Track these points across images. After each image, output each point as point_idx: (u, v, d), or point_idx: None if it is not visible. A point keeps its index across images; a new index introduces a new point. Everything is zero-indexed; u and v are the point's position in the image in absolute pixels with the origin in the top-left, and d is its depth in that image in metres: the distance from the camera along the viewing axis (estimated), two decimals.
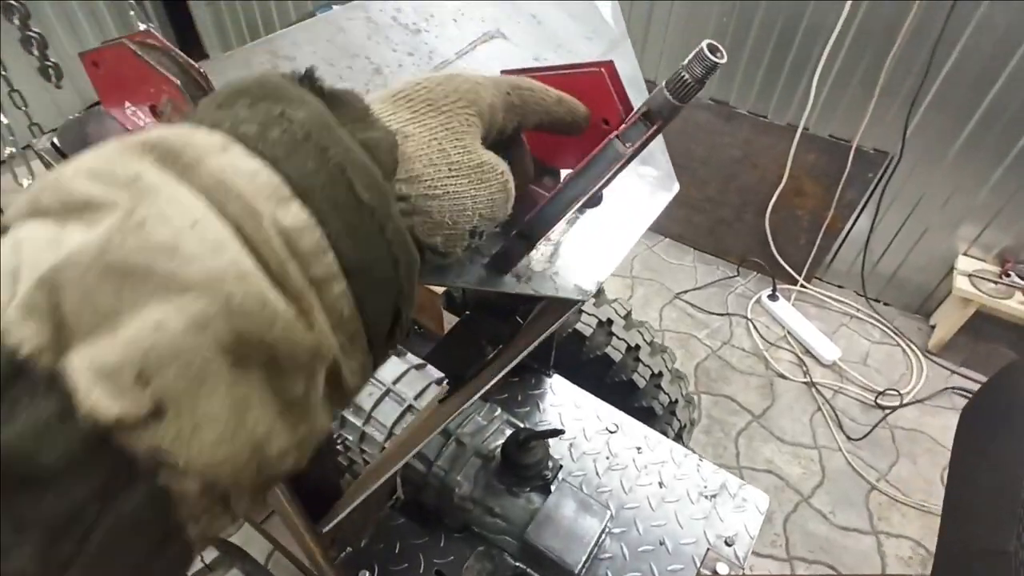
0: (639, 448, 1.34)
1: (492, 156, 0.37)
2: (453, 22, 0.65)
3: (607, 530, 1.16)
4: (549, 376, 1.47)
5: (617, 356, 1.46)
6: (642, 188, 0.62)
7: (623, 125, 0.46)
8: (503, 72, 0.56)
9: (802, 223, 2.65)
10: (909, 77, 2.15)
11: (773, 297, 2.71)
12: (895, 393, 2.37)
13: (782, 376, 2.47)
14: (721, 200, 2.81)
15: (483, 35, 0.64)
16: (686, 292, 2.82)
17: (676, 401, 1.52)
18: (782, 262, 2.75)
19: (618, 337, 1.48)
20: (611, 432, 1.37)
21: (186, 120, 0.27)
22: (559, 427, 1.24)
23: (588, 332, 1.47)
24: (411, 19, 0.62)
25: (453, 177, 0.34)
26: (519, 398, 1.44)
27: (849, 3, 2.06)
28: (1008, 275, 2.31)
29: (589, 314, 1.50)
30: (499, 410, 1.28)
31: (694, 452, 1.34)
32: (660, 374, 1.50)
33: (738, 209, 2.79)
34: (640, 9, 2.57)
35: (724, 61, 0.42)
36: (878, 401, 2.36)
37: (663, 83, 0.44)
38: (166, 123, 0.44)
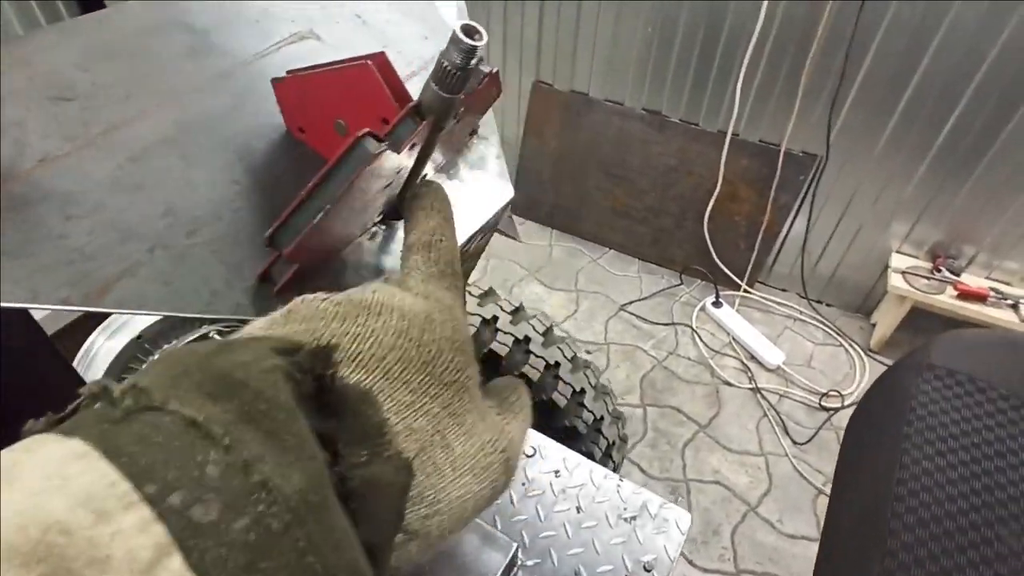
0: (557, 472, 1.27)
1: (492, 422, 0.32)
2: (256, 23, 0.59)
3: (518, 563, 1.09)
4: None
5: (535, 375, 1.40)
6: (464, 194, 0.56)
7: (391, 123, 0.40)
8: (274, 81, 0.50)
9: (740, 228, 2.65)
10: (829, 78, 2.18)
11: (717, 304, 2.70)
12: (837, 394, 2.36)
13: (727, 383, 2.44)
14: (661, 209, 2.80)
15: (291, 36, 0.58)
16: (631, 303, 2.79)
17: (601, 418, 1.47)
18: (724, 268, 2.74)
19: (536, 355, 1.42)
20: (528, 456, 1.30)
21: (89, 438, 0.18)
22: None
23: (504, 351, 1.41)
24: (201, 21, 0.56)
25: (457, 479, 0.28)
26: None
27: (766, 4, 2.08)
28: (939, 270, 2.34)
29: (506, 332, 1.44)
30: None
31: (615, 472, 1.28)
32: (582, 391, 1.44)
33: (678, 217, 2.78)
34: (567, 22, 2.56)
35: (483, 42, 0.36)
36: (822, 403, 2.35)
37: (429, 76, 0.39)
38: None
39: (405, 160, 0.43)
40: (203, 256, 0.43)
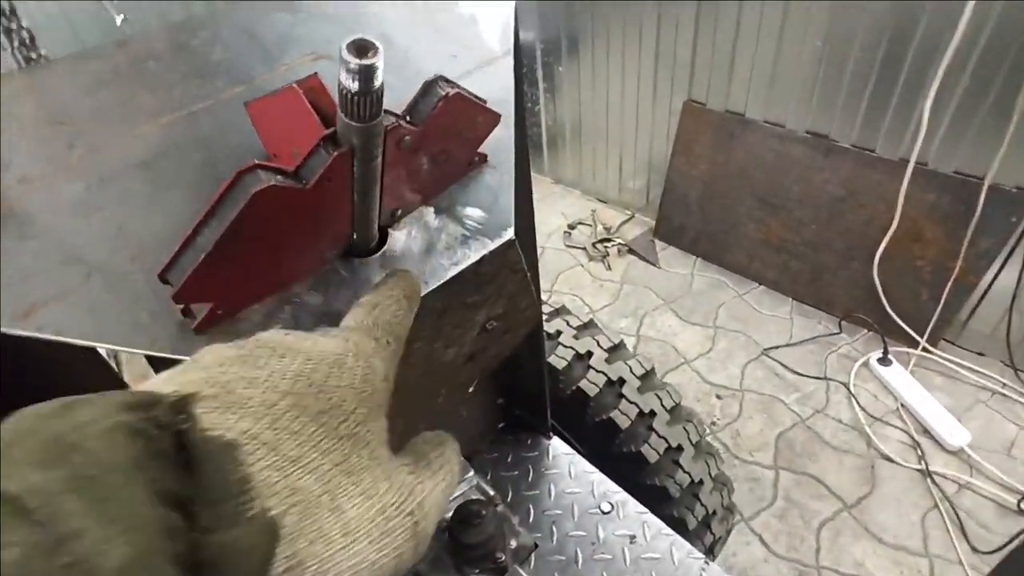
0: (633, 537, 1.13)
1: (399, 482, 0.30)
2: (273, 44, 0.58)
3: None
4: (548, 438, 1.31)
5: (625, 422, 1.27)
6: (451, 234, 0.49)
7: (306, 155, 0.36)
8: (247, 105, 0.47)
9: (922, 274, 2.21)
10: None
11: (884, 361, 2.28)
12: None
13: (888, 459, 2.04)
14: (822, 244, 2.45)
15: (304, 56, 0.56)
16: (777, 348, 2.47)
17: (700, 482, 1.28)
18: (897, 320, 2.31)
19: (629, 400, 1.29)
20: (604, 513, 1.17)
21: None
22: (491, 495, 1.09)
23: (593, 391, 1.30)
24: (214, 44, 0.56)
25: (349, 546, 0.26)
26: (509, 459, 1.30)
27: (971, 4, 1.70)
28: None
29: (599, 371, 1.33)
30: (471, 473, 1.15)
31: (705, 555, 1.10)
32: (679, 448, 1.28)
33: (842, 255, 2.40)
34: (724, 37, 2.35)
35: (375, 60, 0.30)
36: (1021, 505, 1.85)
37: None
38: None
39: (338, 194, 0.37)
40: (138, 286, 0.41)
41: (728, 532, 1.43)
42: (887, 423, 2.14)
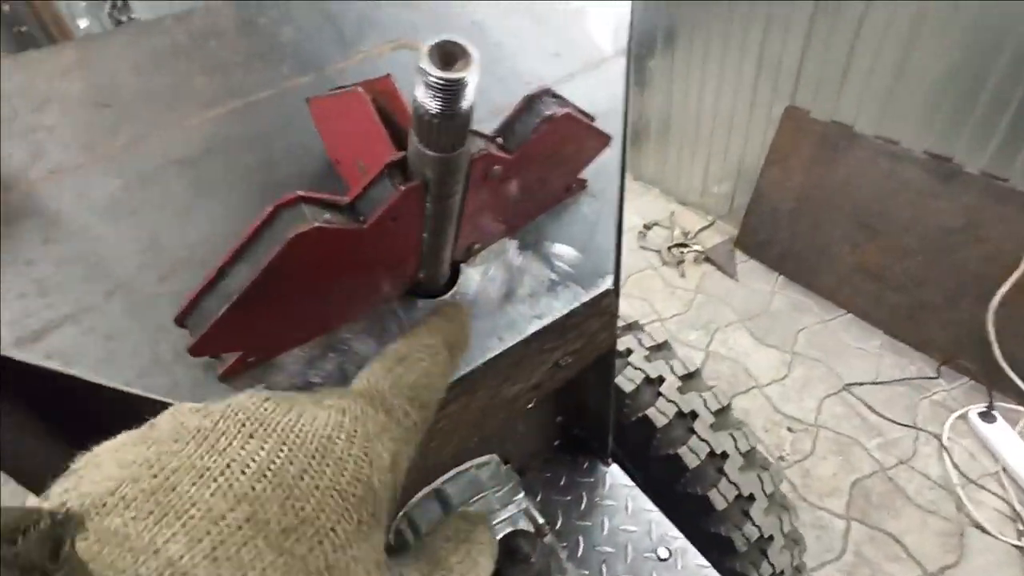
0: None
1: None
2: (351, 28, 0.50)
3: None
4: (606, 465, 1.22)
5: (693, 461, 1.16)
6: (536, 277, 0.40)
7: (364, 182, 0.28)
8: (309, 100, 0.40)
9: None
10: None
11: (988, 417, 2.03)
12: None
13: (980, 528, 1.82)
14: (928, 279, 2.20)
15: (383, 44, 0.49)
16: (861, 385, 2.26)
17: (770, 538, 1.16)
18: (1010, 372, 2.05)
19: (700, 438, 1.17)
20: (660, 559, 1.07)
21: None
22: (540, 524, 1.00)
23: (661, 422, 1.19)
24: (286, 23, 0.49)
25: None
26: (562, 482, 1.21)
27: None
28: None
29: (670, 400, 1.22)
30: (521, 495, 1.07)
31: None
32: (751, 498, 1.15)
33: (951, 294, 2.16)
34: (840, 41, 2.13)
35: (464, 74, 0.21)
36: None
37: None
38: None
39: (404, 231, 0.29)
40: (163, 312, 0.35)
41: None
42: (983, 487, 1.91)
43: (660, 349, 1.34)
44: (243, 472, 0.20)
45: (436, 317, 0.33)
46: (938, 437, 2.05)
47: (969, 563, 1.75)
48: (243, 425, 0.22)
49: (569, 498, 1.18)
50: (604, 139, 0.36)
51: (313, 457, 0.22)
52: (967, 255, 2.06)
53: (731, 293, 2.74)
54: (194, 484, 0.20)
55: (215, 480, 0.20)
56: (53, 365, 0.32)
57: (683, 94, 2.89)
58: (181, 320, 0.29)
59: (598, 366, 1.00)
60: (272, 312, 0.29)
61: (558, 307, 0.39)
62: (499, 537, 0.95)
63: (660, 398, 1.22)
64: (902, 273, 2.28)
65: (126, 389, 0.32)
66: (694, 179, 3.11)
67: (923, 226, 2.15)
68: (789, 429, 2.18)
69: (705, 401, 1.22)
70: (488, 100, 0.41)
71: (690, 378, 1.28)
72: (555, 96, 0.31)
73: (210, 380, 0.33)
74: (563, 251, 0.41)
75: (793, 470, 2.03)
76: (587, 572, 1.06)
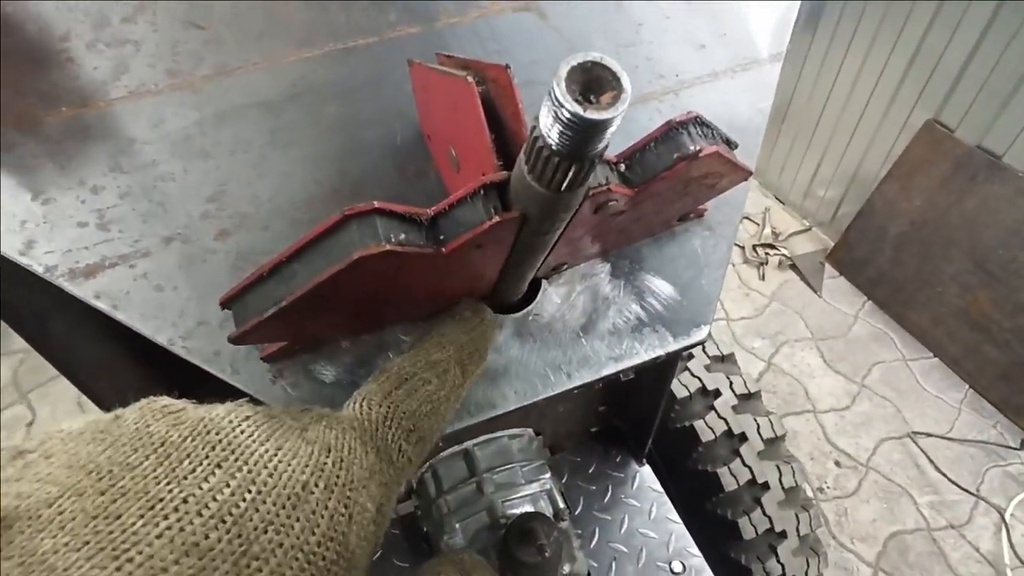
0: None
1: None
2: None
3: None
4: (640, 464, 1.18)
5: (731, 485, 1.10)
6: (622, 312, 0.35)
7: (447, 200, 0.24)
8: (410, 63, 0.35)
9: None
10: None
11: None
12: None
13: None
14: None
15: (512, 3, 0.43)
16: (929, 436, 2.10)
17: None
18: None
19: (744, 463, 1.11)
20: (673, 572, 1.04)
21: None
22: (559, 508, 0.98)
23: (707, 437, 1.13)
24: None
25: None
26: (591, 470, 1.19)
27: None
28: None
29: (721, 417, 1.15)
30: (548, 475, 1.06)
31: None
32: (783, 534, 1.09)
33: None
34: (1019, 50, 1.86)
35: (607, 115, 0.16)
36: None
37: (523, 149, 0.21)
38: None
39: (484, 256, 0.25)
40: (218, 270, 0.32)
41: None
42: None
43: (723, 361, 1.26)
44: (199, 514, 0.18)
45: (452, 323, 0.28)
46: (1001, 511, 1.90)
47: None
48: (212, 449, 0.19)
49: (594, 488, 1.16)
50: (744, 174, 0.30)
51: (283, 507, 0.19)
52: None
53: (809, 307, 2.58)
54: (142, 518, 0.17)
55: (166, 518, 0.17)
56: (100, 305, 0.31)
57: (812, 82, 2.63)
58: (225, 304, 0.26)
59: (658, 370, 0.95)
60: (322, 319, 0.25)
61: (640, 352, 0.34)
62: (517, 515, 0.94)
63: (712, 412, 1.16)
64: (1010, 330, 2.06)
65: (167, 347, 0.30)
66: (800, 177, 2.88)
67: None
68: (837, 463, 2.07)
69: (759, 426, 1.15)
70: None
71: (748, 399, 1.20)
72: (703, 125, 0.25)
73: (252, 357, 0.31)
74: (660, 287, 0.35)
75: (830, 505, 1.94)
76: (596, 565, 1.04)
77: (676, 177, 0.25)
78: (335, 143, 0.36)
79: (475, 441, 1.06)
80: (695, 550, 1.05)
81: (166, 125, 0.35)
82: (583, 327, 0.34)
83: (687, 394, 1.18)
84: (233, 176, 0.34)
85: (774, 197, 3.08)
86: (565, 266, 0.34)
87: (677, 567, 1.04)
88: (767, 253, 2.78)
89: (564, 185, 0.19)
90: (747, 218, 2.96)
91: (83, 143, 0.35)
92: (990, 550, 1.82)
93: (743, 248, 2.81)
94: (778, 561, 1.09)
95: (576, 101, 0.16)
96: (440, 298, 0.29)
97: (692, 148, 0.24)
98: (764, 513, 1.09)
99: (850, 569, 1.80)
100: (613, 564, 1.05)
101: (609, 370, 0.33)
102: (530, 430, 1.11)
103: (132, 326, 0.31)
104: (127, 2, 0.38)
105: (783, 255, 2.76)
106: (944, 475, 1.99)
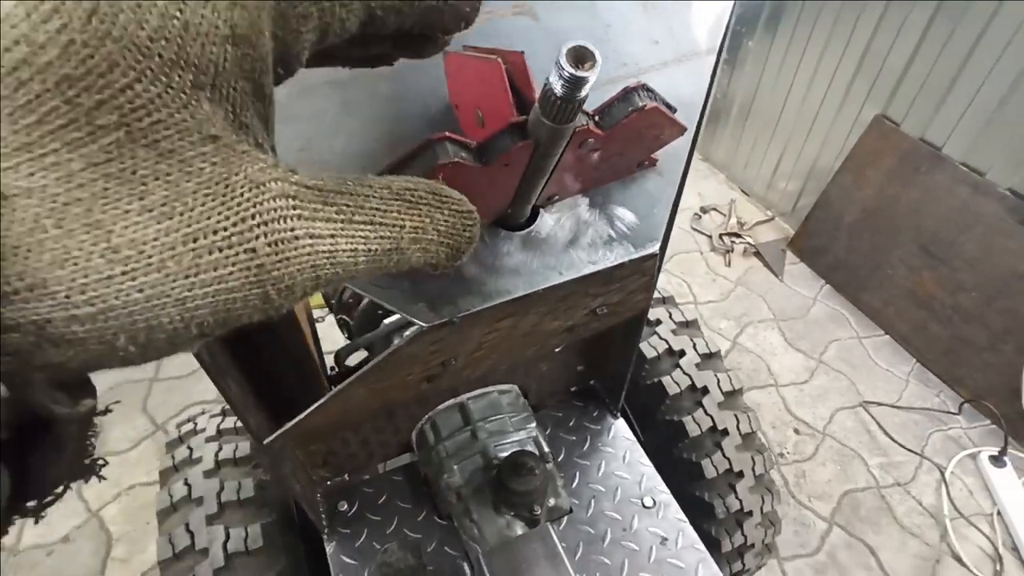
0: (665, 539, 1.14)
1: (243, 204, 0.21)
2: None
3: None
4: (614, 417, 1.32)
5: (695, 431, 1.25)
6: (598, 231, 0.49)
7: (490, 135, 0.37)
8: (446, 53, 0.48)
9: None
10: None
11: (998, 461, 2.05)
12: None
13: (959, 560, 1.88)
14: (976, 317, 2.18)
15: (508, 8, 0.56)
16: (879, 405, 2.29)
17: (749, 513, 1.26)
18: None
19: (706, 412, 1.26)
20: (645, 507, 1.18)
21: None
22: (544, 452, 1.12)
23: (673, 391, 1.28)
24: None
25: (120, 276, 0.19)
26: (571, 423, 1.32)
27: None
28: None
29: (686, 373, 1.30)
30: (533, 424, 1.19)
31: None
32: (740, 474, 1.25)
33: (995, 336, 2.14)
34: (955, 50, 2.05)
35: (590, 73, 0.30)
36: None
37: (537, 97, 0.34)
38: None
39: (508, 175, 0.38)
40: None
41: (758, 567, 1.40)
42: (973, 524, 1.96)
43: (688, 327, 1.42)
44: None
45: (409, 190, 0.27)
46: (942, 469, 2.09)
47: None
48: None
49: (574, 438, 1.30)
50: (680, 129, 0.44)
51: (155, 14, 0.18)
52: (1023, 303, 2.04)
53: (772, 291, 2.76)
54: None
55: None
56: None
57: (773, 81, 2.82)
58: None
59: (628, 327, 1.09)
60: None
61: (610, 258, 0.48)
62: (508, 453, 1.07)
63: (678, 369, 1.30)
64: (951, 307, 2.26)
65: None
66: (763, 171, 3.07)
67: (988, 264, 2.12)
68: (796, 431, 2.24)
69: (719, 381, 1.30)
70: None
71: (709, 358, 1.35)
72: (648, 90, 0.39)
73: None
74: (624, 214, 0.49)
75: (790, 468, 2.11)
76: (577, 502, 1.18)
77: (632, 126, 0.39)
78: (387, 111, 0.49)
79: (469, 395, 1.19)
80: (664, 488, 1.20)
81: None
82: (569, 241, 0.48)
83: (656, 354, 1.33)
84: (316, 135, 0.47)
85: (739, 189, 3.26)
86: (556, 197, 0.47)
87: (648, 502, 1.18)
88: (733, 241, 2.95)
89: (563, 119, 0.32)
90: (714, 209, 3.14)
91: None
92: (932, 504, 2.01)
93: (710, 237, 2.98)
94: (736, 497, 1.24)
95: (571, 66, 0.29)
96: (481, 207, 0.42)
97: (640, 104, 0.38)
98: (724, 455, 1.24)
99: (808, 524, 1.97)
100: (592, 501, 1.19)
101: (588, 270, 0.47)
102: (516, 387, 1.25)
103: None
104: None
105: (748, 243, 2.94)
106: (892, 439, 2.18)
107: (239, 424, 1.22)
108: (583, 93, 0.30)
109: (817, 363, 2.46)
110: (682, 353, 1.32)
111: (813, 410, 2.30)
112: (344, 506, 1.16)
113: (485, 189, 0.39)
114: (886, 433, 2.20)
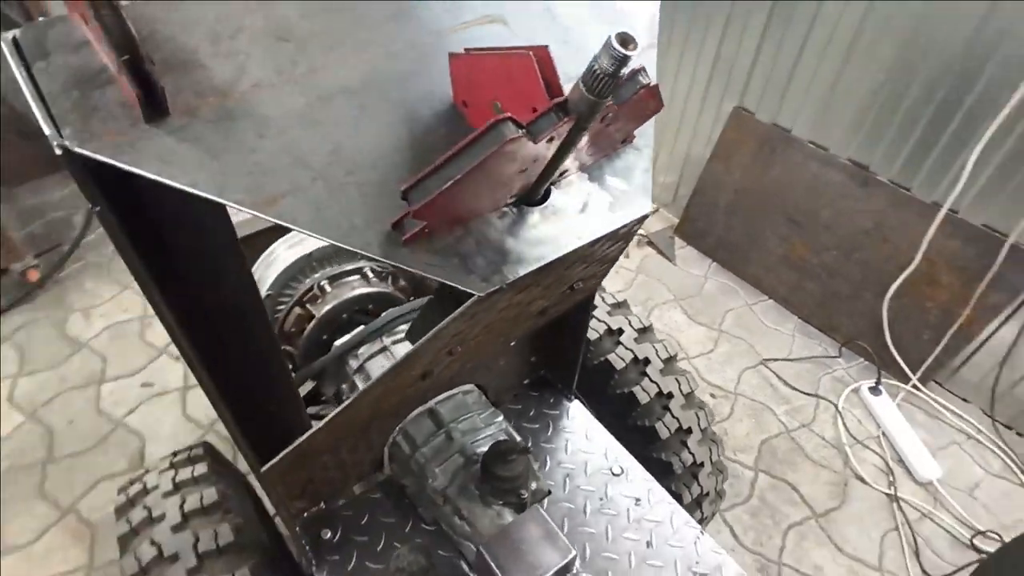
0: (638, 500, 1.24)
1: None
2: (452, 2, 0.64)
3: (572, 571, 1.08)
4: (569, 400, 1.41)
5: (644, 398, 1.36)
6: (600, 197, 0.57)
7: (535, 115, 0.43)
8: (451, 56, 0.54)
9: (928, 316, 2.31)
10: None
11: (875, 391, 2.39)
12: (997, 538, 1.98)
13: (861, 479, 2.16)
14: (839, 271, 2.54)
15: (481, 18, 0.63)
16: (775, 360, 2.58)
17: (701, 464, 1.39)
18: (895, 354, 2.42)
19: (651, 379, 1.38)
20: (614, 475, 1.28)
21: None
22: (517, 440, 1.18)
23: (620, 366, 1.39)
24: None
25: None
26: (531, 413, 1.39)
27: None
28: None
29: (627, 348, 1.42)
30: (501, 417, 1.24)
31: (699, 525, 1.21)
32: (689, 430, 1.38)
33: (856, 285, 2.50)
34: (788, 52, 2.39)
35: (635, 52, 0.37)
36: (974, 542, 1.99)
37: (580, 77, 0.41)
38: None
39: (543, 150, 0.45)
40: (353, 195, 0.49)
41: (714, 514, 1.54)
42: (866, 447, 2.27)
43: (619, 307, 1.54)
44: None
45: None
46: (835, 405, 2.40)
47: (849, 506, 2.09)
48: None
49: (537, 426, 1.36)
50: (661, 104, 0.53)
51: None
52: (873, 253, 2.40)
53: (669, 275, 3.01)
54: None
55: None
56: (283, 222, 0.46)
57: None
58: (406, 194, 0.43)
59: (580, 309, 1.18)
60: (468, 197, 0.44)
61: (616, 221, 0.56)
62: (487, 446, 1.11)
63: (619, 346, 1.42)
64: (819, 266, 2.60)
65: (336, 243, 0.46)
66: None
67: (840, 225, 2.47)
68: (712, 395, 2.46)
69: (656, 350, 1.43)
70: (563, 71, 0.56)
71: (644, 331, 1.48)
72: (646, 72, 0.47)
73: (392, 244, 0.48)
74: (617, 184, 0.57)
75: (714, 429, 2.32)
76: (553, 483, 1.25)
77: (639, 100, 0.47)
78: (400, 114, 0.54)
79: (436, 400, 1.22)
80: (627, 454, 1.30)
81: (286, 105, 0.50)
82: (579, 210, 0.55)
83: (597, 336, 1.44)
84: (342, 137, 0.51)
85: None
86: (566, 173, 0.55)
87: (616, 469, 1.28)
88: None
89: (604, 93, 0.40)
90: None
91: (233, 121, 0.49)
92: (832, 436, 2.30)
93: None
94: (689, 452, 1.37)
95: (620, 46, 0.36)
96: (512, 184, 0.48)
97: (645, 82, 0.46)
98: (673, 415, 1.36)
99: (738, 475, 2.17)
100: (566, 479, 1.26)
101: (602, 232, 0.55)
102: (475, 386, 1.30)
103: (307, 234, 0.47)
104: (229, 25, 0.52)
105: (640, 234, 3.19)
106: (792, 387, 2.46)
107: (197, 473, 1.16)
108: (626, 70, 0.38)
109: (719, 333, 2.71)
110: (621, 331, 1.44)
111: (722, 374, 2.53)
112: (328, 534, 1.14)
113: (527, 164, 0.45)
114: (786, 383, 2.48)
